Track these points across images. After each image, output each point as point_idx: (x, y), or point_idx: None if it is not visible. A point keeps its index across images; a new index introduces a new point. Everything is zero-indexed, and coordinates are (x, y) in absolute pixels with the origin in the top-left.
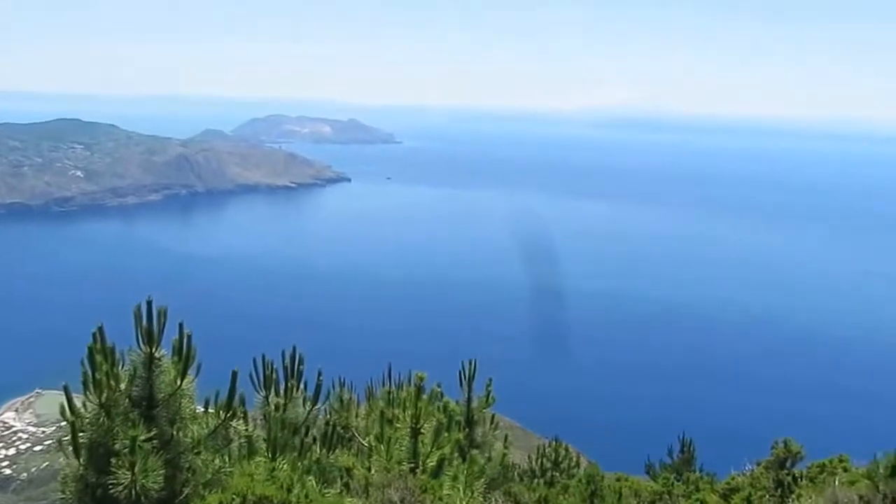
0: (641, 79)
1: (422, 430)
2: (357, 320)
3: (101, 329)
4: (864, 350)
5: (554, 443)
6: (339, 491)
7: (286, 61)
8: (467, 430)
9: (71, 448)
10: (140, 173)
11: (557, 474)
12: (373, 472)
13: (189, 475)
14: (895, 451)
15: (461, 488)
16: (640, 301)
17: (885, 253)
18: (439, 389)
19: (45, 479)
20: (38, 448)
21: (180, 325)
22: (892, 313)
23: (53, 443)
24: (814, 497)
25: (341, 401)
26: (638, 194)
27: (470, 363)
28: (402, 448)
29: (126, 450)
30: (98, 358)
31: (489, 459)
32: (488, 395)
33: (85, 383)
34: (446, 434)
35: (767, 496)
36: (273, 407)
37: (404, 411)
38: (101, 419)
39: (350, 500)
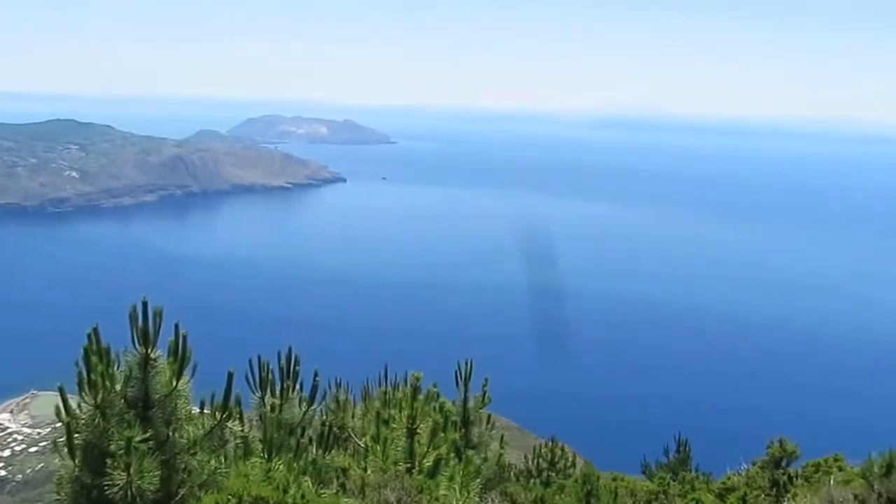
0: (641, 79)
1: (418, 431)
2: (353, 320)
3: (96, 330)
4: (859, 350)
5: (550, 443)
6: (335, 491)
7: (282, 62)
8: (463, 430)
9: (66, 449)
10: (135, 174)
11: (553, 474)
12: (369, 472)
13: (185, 476)
14: (889, 451)
15: (457, 488)
16: (637, 301)
17: (882, 254)
18: (435, 390)
19: (40, 480)
20: (33, 449)
21: (176, 326)
22: (886, 314)
23: (49, 444)
24: (809, 496)
25: (337, 401)
26: (636, 195)
27: (466, 363)
28: (399, 448)
29: (122, 451)
30: (93, 359)
31: (485, 459)
32: (484, 395)
33: (80, 384)
34: (442, 434)
35: (763, 495)
36: (269, 408)
37: (400, 412)
38: (97, 420)
39: (346, 500)
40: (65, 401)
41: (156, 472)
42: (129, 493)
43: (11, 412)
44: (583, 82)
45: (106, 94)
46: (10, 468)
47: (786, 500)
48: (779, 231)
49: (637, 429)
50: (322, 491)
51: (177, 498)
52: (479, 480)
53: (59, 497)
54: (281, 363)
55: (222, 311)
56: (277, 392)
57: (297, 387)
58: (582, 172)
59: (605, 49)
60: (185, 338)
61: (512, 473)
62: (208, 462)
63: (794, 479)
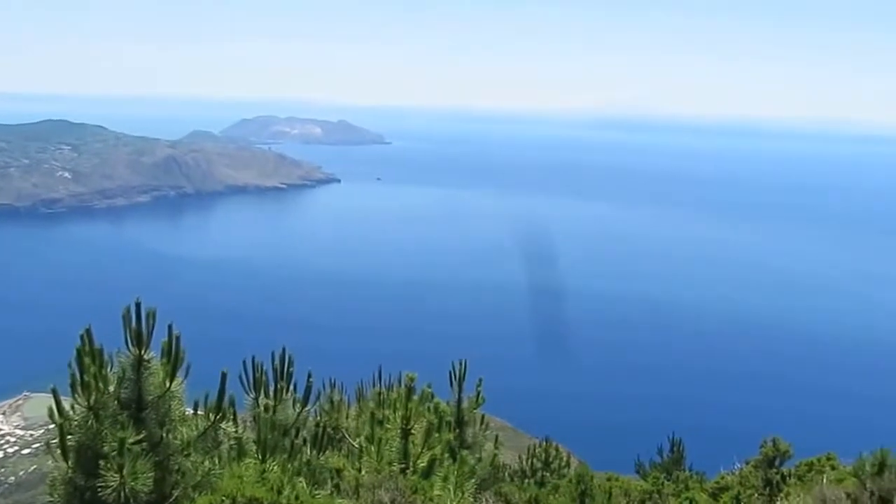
0: (640, 80)
1: (412, 431)
2: (347, 321)
3: (89, 331)
4: (859, 350)
5: (544, 443)
6: (329, 492)
7: (276, 62)
8: (458, 430)
9: (59, 451)
10: (128, 174)
11: (548, 474)
12: (363, 473)
13: (178, 477)
14: (881, 449)
15: (452, 489)
16: (636, 301)
17: (882, 254)
18: (430, 390)
19: (33, 482)
20: (26, 451)
21: (169, 327)
22: (886, 314)
23: (42, 446)
24: (802, 495)
25: (331, 402)
26: (636, 195)
27: (460, 363)
28: (393, 449)
29: (115, 452)
30: (86, 360)
31: (480, 460)
32: (479, 395)
33: (73, 386)
34: (437, 435)
35: (756, 494)
36: (263, 408)
37: (394, 412)
38: (90, 422)
39: (340, 501)
40: (58, 402)
41: (149, 474)
42: (122, 494)
43: (4, 414)
44: (582, 82)
45: (98, 95)
46: (2, 470)
47: (779, 499)
48: (779, 231)
49: (633, 429)
50: (316, 492)
51: (170, 499)
52: (473, 481)
53: (52, 499)
54: (275, 364)
55: (216, 311)
56: (271, 393)
57: (291, 387)
58: (582, 173)
59: (604, 49)
60: (178, 339)
61: (506, 474)
62: (202, 463)
63: (787, 478)
